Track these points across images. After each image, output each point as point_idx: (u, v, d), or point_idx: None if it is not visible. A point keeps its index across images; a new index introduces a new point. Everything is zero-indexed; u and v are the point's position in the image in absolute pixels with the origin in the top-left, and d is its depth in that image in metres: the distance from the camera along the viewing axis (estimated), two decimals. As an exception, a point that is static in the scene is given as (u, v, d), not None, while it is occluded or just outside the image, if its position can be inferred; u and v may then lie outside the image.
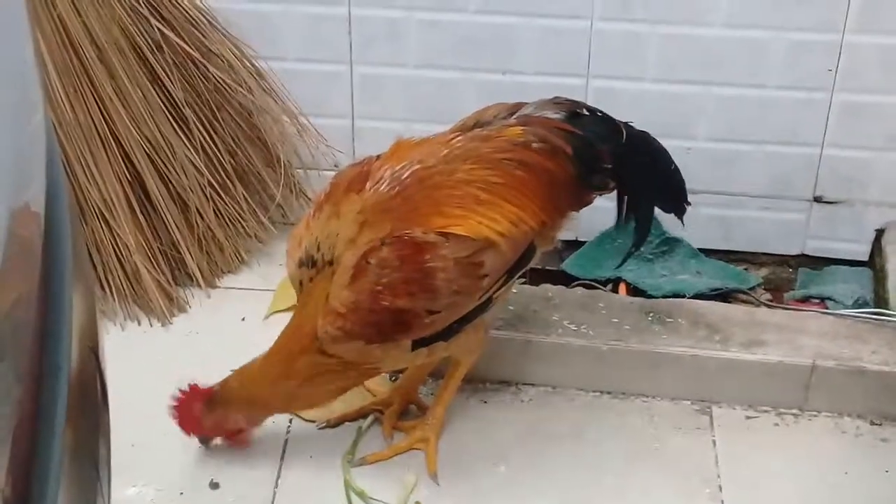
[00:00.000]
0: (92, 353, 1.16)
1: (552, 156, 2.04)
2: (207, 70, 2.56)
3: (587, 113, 2.12)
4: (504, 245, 1.98)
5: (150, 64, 2.50)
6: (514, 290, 2.44)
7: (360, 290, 1.92)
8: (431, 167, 2.01)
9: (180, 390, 2.10)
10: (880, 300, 2.51)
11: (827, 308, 2.51)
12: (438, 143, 2.05)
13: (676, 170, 2.20)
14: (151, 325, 2.53)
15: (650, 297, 2.51)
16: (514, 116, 2.10)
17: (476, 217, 1.97)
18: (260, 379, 2.07)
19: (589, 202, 2.15)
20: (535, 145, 2.03)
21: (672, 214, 2.27)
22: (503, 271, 2.02)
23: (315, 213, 2.02)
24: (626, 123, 2.13)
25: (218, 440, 2.19)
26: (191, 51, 2.53)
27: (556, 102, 2.13)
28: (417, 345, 2.01)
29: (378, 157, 2.07)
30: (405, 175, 2.00)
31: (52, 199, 1.12)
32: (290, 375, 2.04)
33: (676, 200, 2.24)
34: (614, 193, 2.18)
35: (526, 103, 2.13)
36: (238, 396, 2.09)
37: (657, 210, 2.24)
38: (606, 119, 2.13)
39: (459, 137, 2.06)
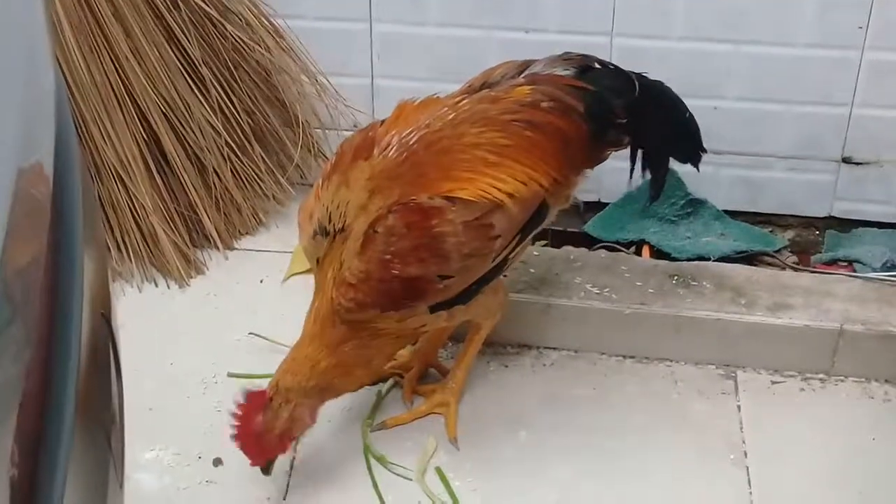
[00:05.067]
0: (104, 319, 1.14)
1: (563, 114, 2.00)
2: (225, 28, 2.53)
3: (598, 67, 2.08)
4: (512, 205, 1.94)
5: (167, 22, 2.47)
6: (536, 253, 2.42)
7: (370, 260, 1.89)
8: (439, 131, 1.97)
9: (237, 404, 1.94)
10: (909, 263, 2.48)
11: (854, 271, 2.47)
12: (445, 106, 2.01)
13: (691, 117, 2.14)
14: (169, 287, 2.52)
15: (674, 259, 2.49)
16: (523, 75, 2.05)
17: (484, 179, 1.93)
18: (309, 364, 1.97)
19: (604, 159, 2.11)
20: (544, 104, 1.99)
21: (688, 164, 2.21)
22: (515, 231, 1.99)
23: (324, 183, 1.98)
24: (638, 75, 2.09)
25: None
26: (208, 9, 2.49)
27: (566, 58, 2.08)
28: (436, 308, 1.98)
29: (382, 122, 2.04)
30: (413, 140, 1.96)
31: (62, 160, 1.09)
32: (335, 350, 1.96)
33: (692, 149, 2.18)
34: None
35: (535, 60, 2.09)
36: (299, 386, 1.96)
37: (681, 169, 2.20)
38: (619, 72, 2.08)
39: (466, 99, 2.01)
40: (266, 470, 2.00)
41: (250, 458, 1.98)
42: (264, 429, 1.95)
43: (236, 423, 1.94)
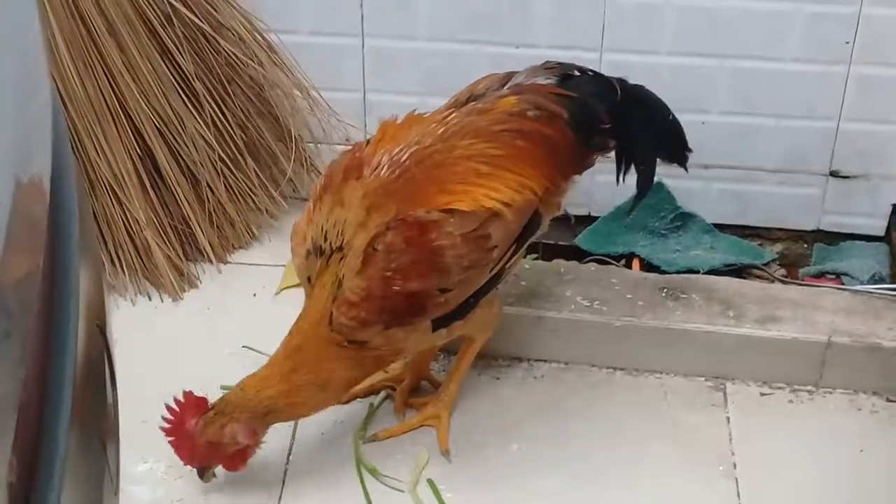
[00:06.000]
0: (99, 330, 1.14)
1: (549, 122, 2.02)
2: (218, 43, 2.54)
3: (579, 74, 2.11)
4: (509, 214, 1.96)
5: (161, 37, 2.48)
6: (527, 266, 2.43)
7: (371, 277, 1.90)
8: (430, 146, 1.99)
9: (175, 400, 1.97)
10: (897, 276, 2.50)
11: (842, 284, 2.48)
12: (433, 122, 2.03)
13: (674, 119, 2.17)
14: (162, 301, 2.53)
15: (664, 272, 2.50)
16: (507, 87, 2.08)
17: (479, 190, 1.95)
18: (267, 379, 1.98)
19: (591, 164, 2.14)
20: (530, 113, 2.02)
21: (675, 163, 2.22)
22: (511, 241, 2.01)
23: (315, 205, 1.99)
24: (619, 79, 2.11)
25: (216, 469, 2.05)
26: (201, 24, 2.51)
27: (547, 67, 2.12)
28: (437, 325, 1.99)
29: (368, 142, 2.05)
30: (404, 157, 1.97)
31: (59, 174, 1.10)
32: (299, 370, 1.97)
33: (677, 150, 2.20)
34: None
35: (517, 72, 2.12)
36: (241, 403, 1.97)
37: (671, 184, 2.21)
38: (599, 78, 2.12)
39: (454, 113, 2.04)
40: (200, 475, 2.03)
41: (180, 458, 2.01)
42: (194, 432, 1.96)
43: (169, 419, 1.97)
